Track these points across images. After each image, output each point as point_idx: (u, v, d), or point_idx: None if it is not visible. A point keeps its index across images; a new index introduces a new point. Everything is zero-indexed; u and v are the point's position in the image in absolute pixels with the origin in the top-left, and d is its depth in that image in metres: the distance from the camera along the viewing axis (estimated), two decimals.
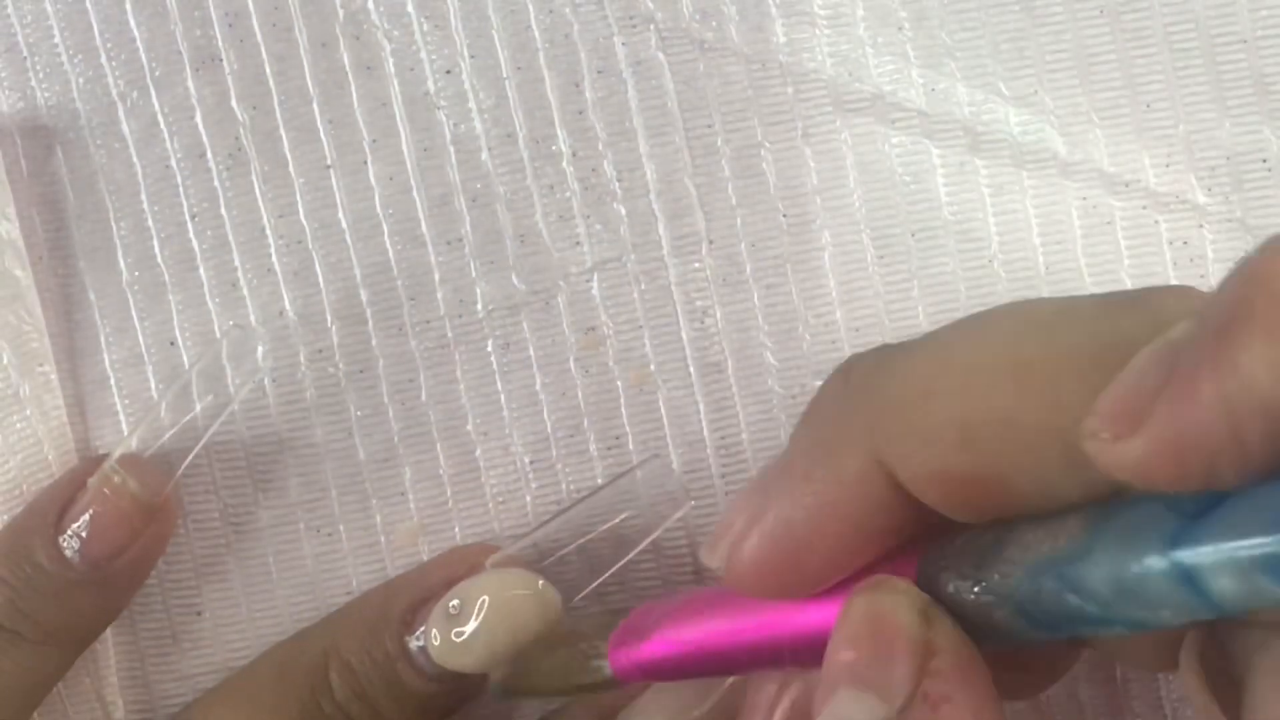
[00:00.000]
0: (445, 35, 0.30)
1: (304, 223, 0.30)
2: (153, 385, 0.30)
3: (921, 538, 0.20)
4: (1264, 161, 0.30)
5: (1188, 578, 0.16)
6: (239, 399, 0.29)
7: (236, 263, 0.30)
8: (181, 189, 0.30)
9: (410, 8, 0.30)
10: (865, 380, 0.20)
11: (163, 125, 0.30)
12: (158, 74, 0.30)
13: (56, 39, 0.30)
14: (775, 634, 0.21)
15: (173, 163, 0.30)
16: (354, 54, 0.30)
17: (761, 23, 0.30)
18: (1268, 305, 0.15)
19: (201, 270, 0.30)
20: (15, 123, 0.30)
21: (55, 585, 0.28)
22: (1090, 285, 0.30)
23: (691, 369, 0.30)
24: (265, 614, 0.30)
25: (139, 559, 0.28)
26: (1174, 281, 0.30)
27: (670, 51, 0.30)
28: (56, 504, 0.28)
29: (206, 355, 0.29)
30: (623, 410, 0.30)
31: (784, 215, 0.30)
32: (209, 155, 0.30)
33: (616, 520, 0.29)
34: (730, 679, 0.27)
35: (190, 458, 0.29)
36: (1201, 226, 0.30)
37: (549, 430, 0.30)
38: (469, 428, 0.30)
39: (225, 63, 0.30)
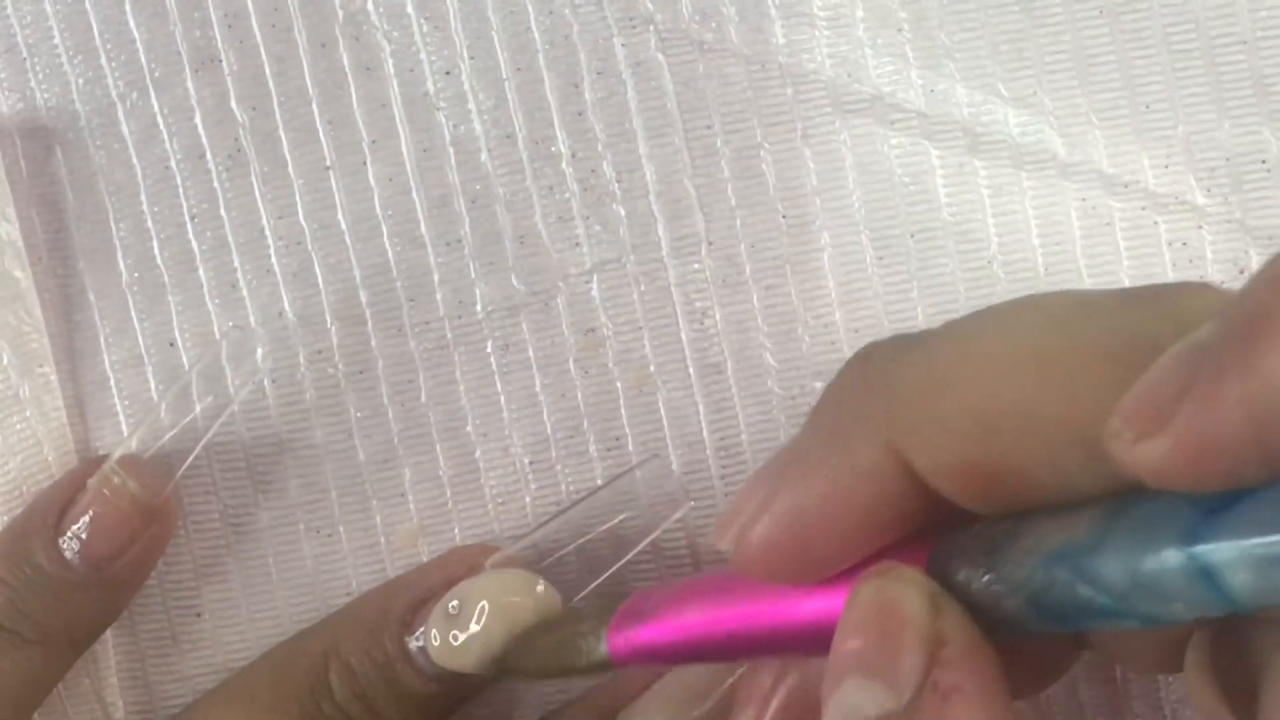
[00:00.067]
0: (445, 36, 0.30)
1: (303, 224, 0.30)
2: (152, 386, 0.30)
3: (932, 529, 0.20)
4: (1263, 162, 0.30)
5: (1204, 571, 0.16)
6: (239, 400, 0.29)
7: (236, 264, 0.30)
8: (181, 190, 0.30)
9: (410, 8, 0.30)
10: (883, 368, 0.20)
11: (162, 126, 0.30)
12: (157, 75, 0.30)
13: (56, 40, 0.30)
14: (778, 621, 0.21)
15: (172, 163, 0.30)
16: (353, 55, 0.30)
17: (761, 24, 0.30)
18: None
19: (201, 271, 0.30)
20: (15, 123, 0.30)
21: (55, 586, 0.28)
22: (1089, 286, 0.30)
23: (691, 370, 0.30)
24: (265, 615, 0.30)
25: (139, 560, 0.28)
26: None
27: (670, 52, 0.30)
28: (56, 505, 0.28)
29: (206, 356, 0.29)
30: (622, 411, 0.30)
31: (783, 216, 0.30)
32: (209, 156, 0.30)
33: (616, 521, 0.29)
34: (730, 680, 0.27)
35: (190, 459, 0.29)
36: (1201, 227, 0.30)
37: (549, 431, 0.30)
38: (469, 429, 0.30)
39: (225, 63, 0.30)
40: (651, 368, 0.30)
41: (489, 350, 0.30)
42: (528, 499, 0.30)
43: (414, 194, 0.30)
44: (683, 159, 0.30)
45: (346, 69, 0.30)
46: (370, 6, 0.30)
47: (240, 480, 0.30)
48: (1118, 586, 0.17)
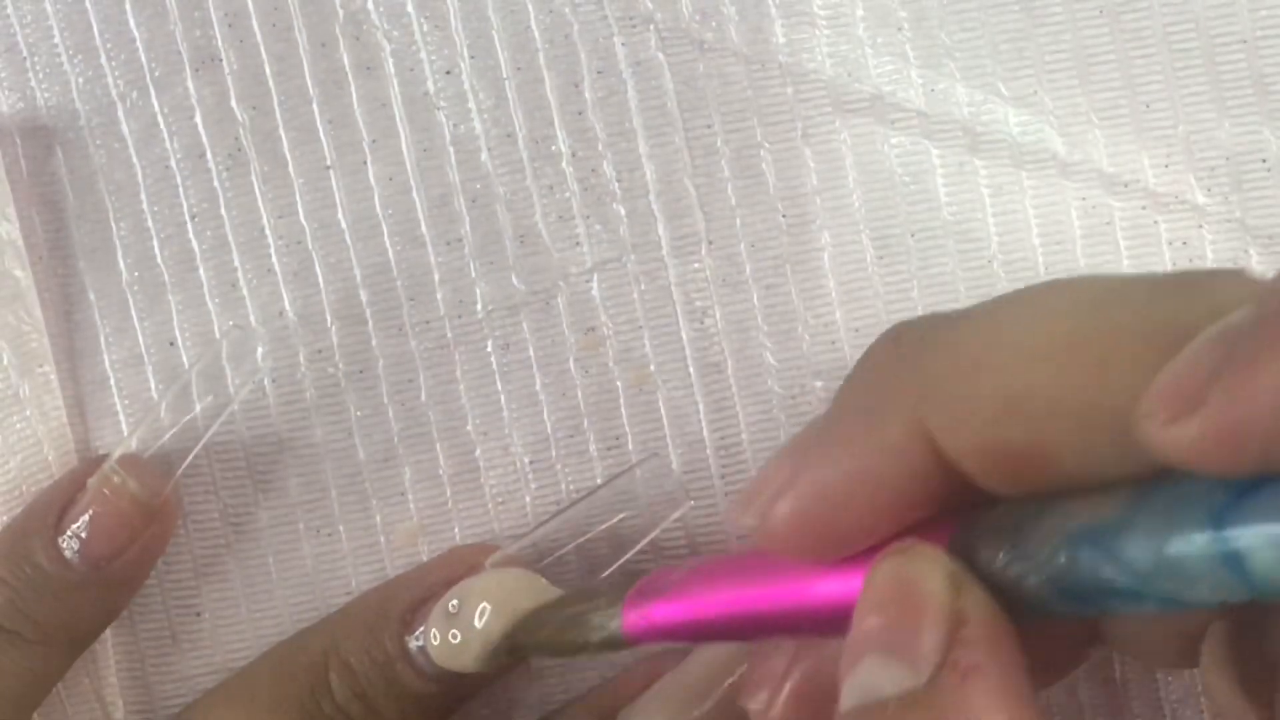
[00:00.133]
0: (445, 36, 0.30)
1: (304, 223, 0.30)
2: (153, 386, 0.30)
3: (955, 511, 0.20)
4: (1264, 161, 0.30)
5: (1228, 554, 0.15)
6: (239, 399, 0.29)
7: (236, 263, 0.30)
8: (181, 189, 0.30)
9: (410, 8, 0.30)
10: (914, 348, 0.20)
11: (162, 125, 0.30)
12: (157, 74, 0.30)
13: (56, 39, 0.30)
14: (795, 599, 0.21)
15: (172, 163, 0.30)
16: (354, 54, 0.30)
17: (761, 23, 0.30)
18: None
19: (201, 270, 0.30)
20: (15, 123, 0.30)
21: (55, 586, 0.28)
22: None
23: (691, 369, 0.30)
24: (265, 614, 0.30)
25: (139, 559, 0.28)
26: None
27: (670, 52, 0.30)
28: (56, 505, 0.28)
29: (206, 355, 0.29)
30: (622, 410, 0.30)
31: (784, 215, 0.30)
32: (209, 155, 0.30)
33: (615, 520, 0.29)
34: (731, 679, 0.27)
35: (190, 458, 0.29)
36: (1201, 227, 0.30)
37: (549, 430, 0.30)
38: (469, 428, 0.30)
39: (225, 63, 0.30)
40: (651, 367, 0.30)
41: (489, 349, 0.30)
42: (528, 498, 0.30)
43: (414, 193, 0.30)
44: (683, 158, 0.30)
45: (347, 68, 0.30)
46: (370, 6, 0.30)
47: (240, 480, 0.30)
48: (1141, 567, 0.17)
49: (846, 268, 0.30)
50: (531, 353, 0.30)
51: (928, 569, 0.18)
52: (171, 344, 0.30)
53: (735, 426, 0.30)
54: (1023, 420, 0.18)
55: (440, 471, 0.30)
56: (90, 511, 0.28)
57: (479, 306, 0.30)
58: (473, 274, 0.30)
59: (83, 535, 0.28)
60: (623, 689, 0.29)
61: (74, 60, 0.30)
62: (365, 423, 0.30)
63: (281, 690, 0.28)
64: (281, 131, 0.30)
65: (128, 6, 0.30)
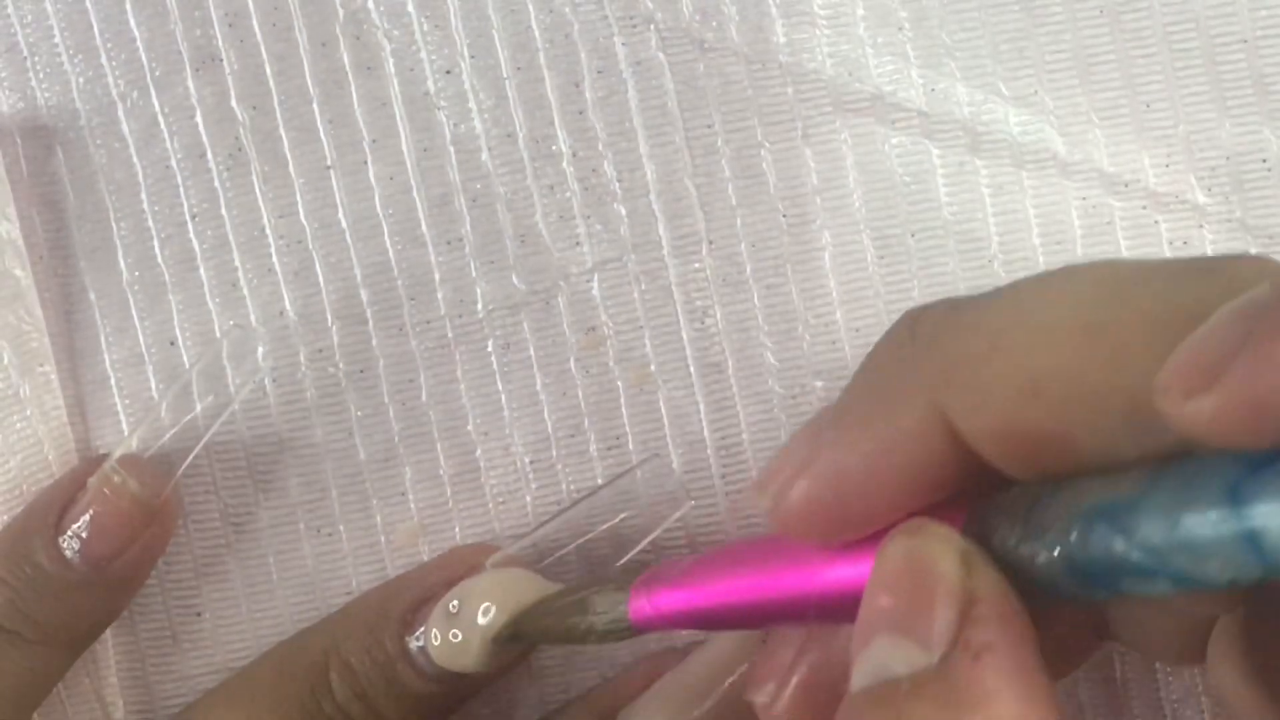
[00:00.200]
0: (445, 35, 0.30)
1: (304, 223, 0.30)
2: (153, 385, 0.30)
3: (970, 494, 0.20)
4: (1264, 161, 0.30)
5: (1243, 526, 0.15)
6: (239, 399, 0.29)
7: (237, 263, 0.30)
8: (181, 189, 0.30)
9: (410, 8, 0.30)
10: (931, 331, 0.20)
11: (163, 125, 0.30)
12: (158, 74, 0.30)
13: (56, 39, 0.30)
14: (803, 584, 0.21)
15: (173, 163, 0.30)
16: (354, 54, 0.30)
17: (761, 23, 0.30)
18: None
19: (202, 270, 0.30)
20: (15, 123, 0.30)
21: (55, 586, 0.28)
22: None
23: (692, 369, 0.30)
24: (265, 614, 0.30)
25: (139, 559, 0.28)
26: None
27: (670, 51, 0.30)
28: (56, 504, 0.28)
29: (207, 355, 0.29)
30: (623, 410, 0.30)
31: (784, 215, 0.30)
32: (209, 155, 0.30)
33: (616, 520, 0.29)
34: (731, 679, 0.27)
35: (190, 458, 0.29)
36: (1201, 226, 0.30)
37: (549, 430, 0.30)
38: (469, 428, 0.30)
39: (225, 63, 0.30)
40: (652, 367, 0.30)
41: (490, 349, 0.30)
42: (528, 498, 0.30)
43: (414, 193, 0.30)
44: (683, 158, 0.30)
45: (347, 68, 0.30)
46: (371, 5, 0.30)
47: (240, 480, 0.30)
48: (1154, 541, 0.16)
49: (847, 268, 0.30)
50: (532, 352, 0.30)
51: (939, 548, 0.18)
52: (172, 344, 0.30)
53: (736, 426, 0.30)
54: (1041, 403, 0.18)
55: (441, 471, 0.30)
56: (90, 511, 0.28)
57: (479, 306, 0.30)
58: (473, 274, 0.30)
59: (83, 535, 0.28)
60: (623, 689, 0.29)
61: (74, 60, 0.30)
62: (366, 422, 0.30)
63: (282, 690, 0.28)
64: (282, 131, 0.30)
65: (128, 6, 0.30)
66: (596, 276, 0.30)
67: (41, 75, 0.30)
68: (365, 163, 0.30)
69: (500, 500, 0.30)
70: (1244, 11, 0.29)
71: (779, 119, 0.30)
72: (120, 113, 0.30)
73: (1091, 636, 0.24)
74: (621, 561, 0.29)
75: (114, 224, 0.30)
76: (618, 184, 0.30)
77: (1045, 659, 0.19)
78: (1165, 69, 0.30)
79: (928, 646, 0.18)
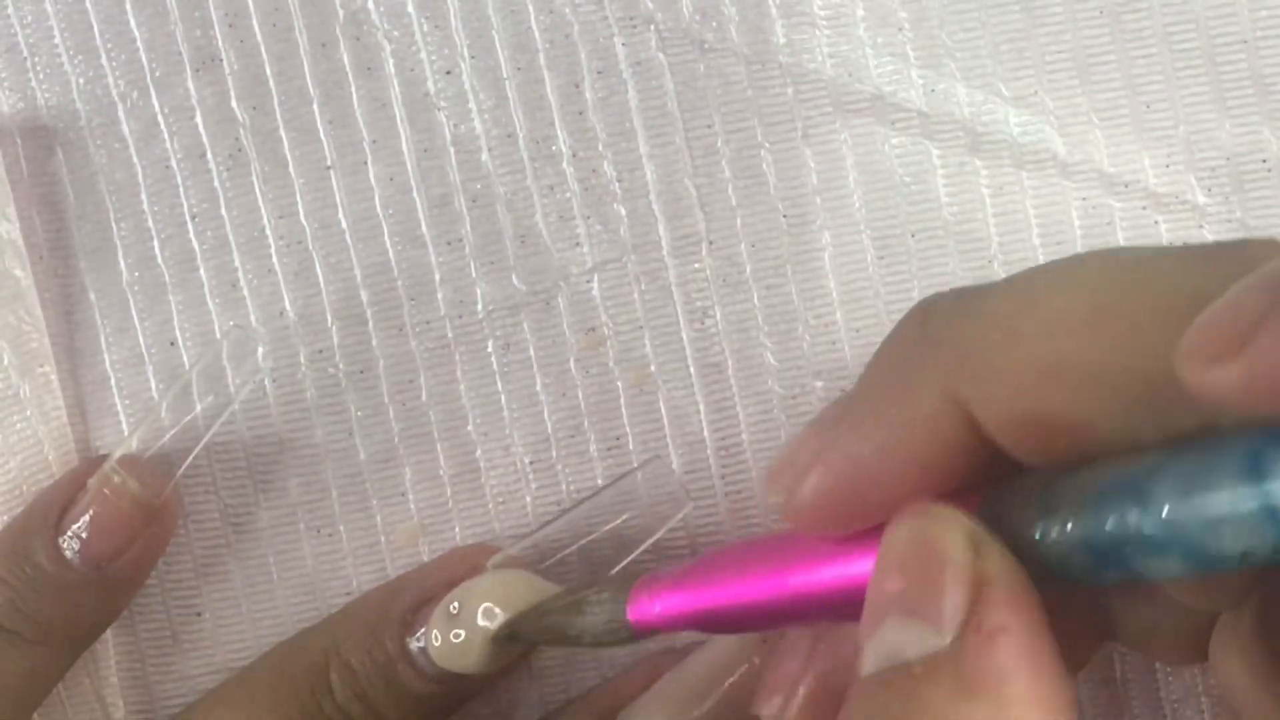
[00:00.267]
0: (445, 36, 0.30)
1: (304, 223, 0.30)
2: (153, 385, 0.30)
3: (983, 483, 0.19)
4: (1264, 162, 0.30)
5: (1262, 495, 0.15)
6: (239, 399, 0.29)
7: (237, 263, 0.30)
8: (181, 189, 0.30)
9: (410, 8, 0.30)
10: (944, 320, 0.20)
11: (163, 125, 0.30)
12: (158, 74, 0.30)
13: (56, 39, 0.30)
14: (806, 583, 0.21)
15: (173, 163, 0.30)
16: (354, 54, 0.30)
17: (761, 23, 0.30)
18: None
19: (202, 270, 0.30)
20: (15, 123, 0.30)
21: (55, 586, 0.28)
22: None
23: (691, 369, 0.30)
24: (265, 614, 0.30)
25: (139, 559, 0.28)
26: None
27: (670, 52, 0.30)
28: (56, 504, 0.28)
29: (207, 355, 0.29)
30: (623, 411, 0.30)
31: (784, 216, 0.30)
32: (209, 155, 0.30)
33: (617, 521, 0.29)
34: (731, 679, 0.27)
35: (190, 458, 0.29)
36: (1201, 227, 0.30)
37: (549, 431, 0.30)
38: (469, 428, 0.30)
39: (225, 63, 0.30)
40: (652, 367, 0.30)
41: (490, 350, 0.30)
42: (528, 498, 0.30)
43: (414, 193, 0.30)
44: (683, 158, 0.30)
45: (347, 68, 0.30)
46: (371, 6, 0.30)
47: (240, 480, 0.30)
48: (1169, 512, 0.16)
49: (847, 268, 0.30)
50: (532, 353, 0.30)
51: (947, 529, 0.18)
52: (172, 344, 0.30)
53: (736, 427, 0.30)
54: (1058, 390, 0.18)
55: (441, 471, 0.30)
56: (90, 511, 0.28)
57: (479, 306, 0.30)
58: (473, 274, 0.30)
59: (83, 535, 0.28)
60: (623, 689, 0.29)
61: (74, 60, 0.30)
62: (366, 423, 0.30)
63: (282, 690, 0.28)
64: (282, 131, 0.30)
65: (128, 6, 0.30)
66: (596, 277, 0.30)
67: (41, 75, 0.30)
68: (365, 163, 0.30)
69: (500, 500, 0.30)
70: (1244, 12, 0.29)
71: (779, 119, 0.30)
72: (120, 113, 0.30)
73: (1093, 637, 0.24)
74: (623, 564, 0.29)
75: (114, 224, 0.30)
76: (618, 184, 0.30)
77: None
78: (1165, 69, 0.30)
79: (939, 628, 0.18)
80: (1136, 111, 0.30)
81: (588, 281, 0.30)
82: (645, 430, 0.30)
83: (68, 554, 0.28)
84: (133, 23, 0.30)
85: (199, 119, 0.30)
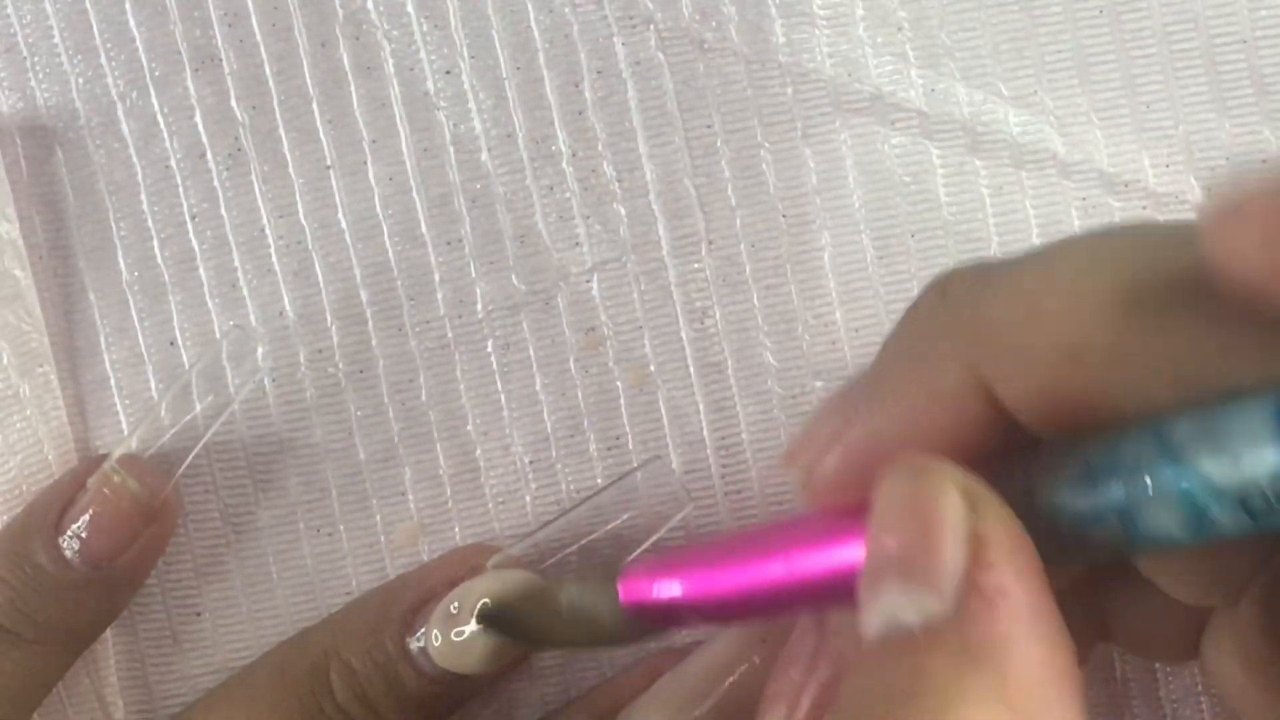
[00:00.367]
0: (445, 35, 0.30)
1: (304, 223, 0.30)
2: (153, 385, 0.30)
3: (997, 456, 0.19)
4: (1264, 162, 0.30)
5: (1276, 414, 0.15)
6: (239, 399, 0.29)
7: (236, 263, 0.30)
8: (181, 189, 0.30)
9: (410, 8, 0.30)
10: (966, 297, 0.19)
11: (162, 125, 0.30)
12: (157, 74, 0.30)
13: (56, 39, 0.30)
14: (807, 569, 0.20)
15: (172, 163, 0.30)
16: (354, 54, 0.30)
17: (761, 23, 0.30)
18: None
19: (201, 270, 0.30)
20: (15, 123, 0.30)
21: (55, 586, 0.28)
22: None
23: (691, 369, 0.30)
24: (265, 614, 0.30)
25: (139, 559, 0.28)
26: None
27: (670, 51, 0.30)
28: (56, 504, 0.28)
29: (206, 355, 0.29)
30: (623, 410, 0.30)
31: (784, 216, 0.30)
32: (209, 155, 0.30)
33: (617, 522, 0.29)
34: (731, 678, 0.27)
35: (190, 458, 0.29)
36: None
37: (549, 430, 0.30)
38: (469, 428, 0.30)
39: (225, 63, 0.30)
40: (652, 367, 0.30)
41: (489, 349, 0.30)
42: (528, 498, 0.30)
43: (414, 193, 0.30)
44: (683, 158, 0.30)
45: (346, 68, 0.30)
46: (370, 6, 0.30)
47: (240, 480, 0.30)
48: (1184, 438, 0.16)
49: (846, 268, 0.30)
50: (531, 353, 0.30)
51: (941, 485, 0.18)
52: (172, 344, 0.30)
53: (735, 426, 0.30)
54: (1083, 369, 0.18)
55: (440, 471, 0.30)
56: (90, 511, 0.28)
57: (479, 306, 0.30)
58: (473, 274, 0.30)
59: (83, 535, 0.28)
60: (623, 689, 0.29)
61: (74, 60, 0.30)
62: (365, 423, 0.30)
63: (282, 690, 0.28)
64: (281, 131, 0.30)
65: (128, 6, 0.30)
66: (596, 277, 0.30)
67: (41, 75, 0.30)
68: (365, 163, 0.30)
69: (500, 500, 0.30)
70: (1244, 11, 0.29)
71: (779, 119, 0.30)
72: (120, 113, 0.30)
73: (1088, 638, 0.24)
74: (623, 564, 0.29)
75: (114, 224, 0.30)
76: (617, 184, 0.30)
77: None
78: (1165, 69, 0.30)
79: (938, 592, 0.17)
80: (1136, 111, 0.30)
81: (587, 281, 0.30)
82: (645, 430, 0.30)
83: (68, 554, 0.28)
84: (132, 22, 0.30)
85: (198, 119, 0.30)
